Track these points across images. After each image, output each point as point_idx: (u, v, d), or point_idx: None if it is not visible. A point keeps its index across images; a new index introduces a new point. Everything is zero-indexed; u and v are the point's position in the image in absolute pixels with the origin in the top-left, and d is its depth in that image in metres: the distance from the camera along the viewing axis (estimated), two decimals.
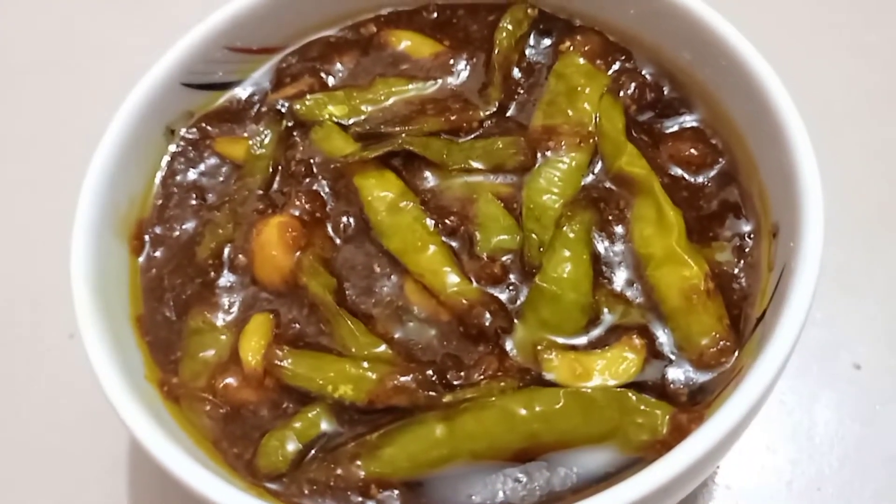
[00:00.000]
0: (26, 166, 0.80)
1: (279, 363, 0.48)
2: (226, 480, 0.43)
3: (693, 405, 0.47)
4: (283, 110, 0.59)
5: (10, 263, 0.74)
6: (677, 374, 0.48)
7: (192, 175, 0.58)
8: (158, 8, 0.90)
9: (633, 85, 0.57)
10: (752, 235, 0.52)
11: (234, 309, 0.52)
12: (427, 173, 0.55)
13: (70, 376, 0.68)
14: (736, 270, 0.51)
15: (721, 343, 0.48)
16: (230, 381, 0.49)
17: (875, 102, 0.76)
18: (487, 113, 0.57)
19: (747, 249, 0.52)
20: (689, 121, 0.57)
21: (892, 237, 0.69)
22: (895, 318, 0.65)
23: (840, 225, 0.59)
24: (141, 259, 0.55)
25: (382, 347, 0.49)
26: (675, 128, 0.57)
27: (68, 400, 0.68)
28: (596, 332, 0.49)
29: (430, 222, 0.53)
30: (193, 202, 0.57)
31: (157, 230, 0.56)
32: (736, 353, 0.48)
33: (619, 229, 0.52)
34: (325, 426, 0.47)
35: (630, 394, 0.46)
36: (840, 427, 0.61)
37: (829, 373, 0.63)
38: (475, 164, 0.55)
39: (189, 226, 0.56)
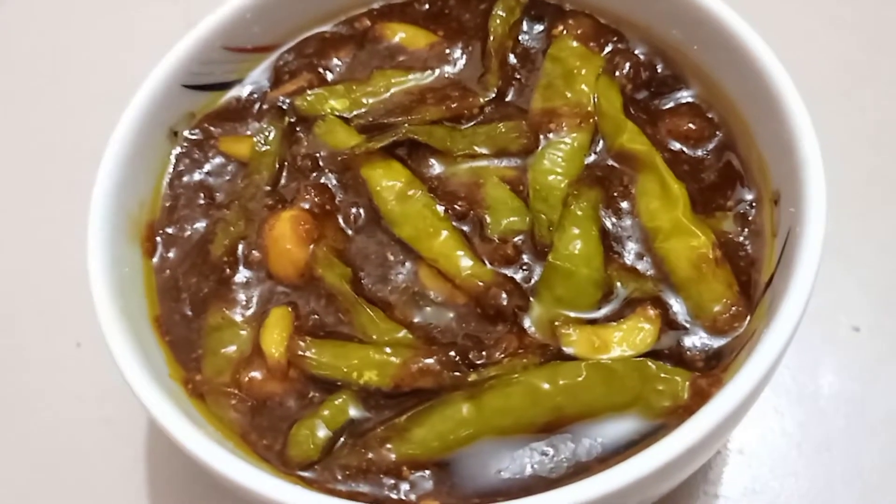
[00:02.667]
0: (30, 177, 0.80)
1: (303, 353, 0.49)
2: (261, 471, 0.44)
3: (710, 370, 0.48)
4: (285, 107, 0.60)
5: (14, 274, 0.74)
6: (692, 340, 0.49)
7: (198, 175, 0.58)
8: (146, 17, 0.90)
9: (627, 65, 0.59)
10: (754, 204, 0.53)
11: (252, 304, 0.53)
12: (432, 161, 0.56)
13: (79, 384, 0.69)
14: (741, 238, 0.52)
15: (733, 309, 0.49)
16: (255, 374, 0.50)
17: (862, 70, 0.77)
18: (487, 99, 0.58)
19: (750, 217, 0.53)
20: (684, 96, 0.58)
21: (881, 202, 0.71)
22: (889, 280, 0.67)
23: (830, 191, 0.61)
24: (154, 260, 0.55)
25: (403, 332, 0.50)
26: (672, 104, 0.58)
27: (78, 408, 0.68)
28: (610, 305, 0.50)
29: (439, 208, 0.53)
30: (202, 202, 0.57)
31: (168, 231, 0.56)
32: (748, 318, 0.49)
33: (625, 205, 0.54)
34: (352, 412, 0.48)
35: (649, 362, 0.47)
36: (843, 388, 0.63)
37: (830, 336, 0.65)
38: (479, 150, 0.56)
39: (200, 225, 0.56)
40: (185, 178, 0.58)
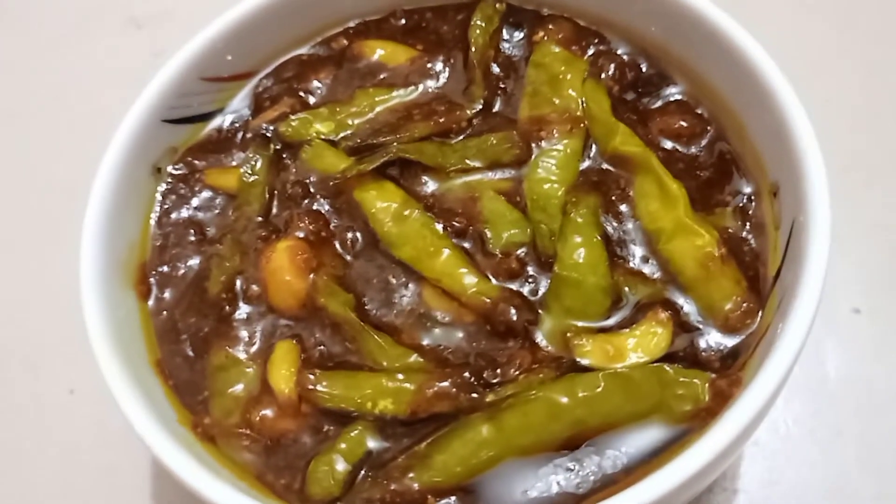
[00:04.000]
0: (11, 221, 0.77)
1: (314, 387, 0.48)
2: None
3: (726, 369, 0.48)
4: (269, 134, 0.58)
5: (3, 320, 0.72)
6: (706, 341, 0.49)
7: (186, 211, 0.57)
8: (110, 48, 0.88)
9: (612, 66, 0.58)
10: (753, 197, 0.53)
11: (256, 340, 0.51)
12: (425, 178, 0.55)
13: (76, 432, 0.67)
14: (743, 233, 0.52)
15: (744, 305, 0.49)
16: (266, 412, 0.48)
17: (839, 54, 0.78)
18: (474, 111, 0.58)
19: (751, 211, 0.53)
20: (672, 94, 0.58)
21: (866, 185, 0.71)
22: (883, 261, 0.68)
23: None
24: (150, 303, 0.54)
25: (413, 357, 0.49)
26: (660, 103, 0.58)
27: (77, 456, 0.66)
28: (621, 311, 0.50)
29: (438, 226, 0.53)
30: (192, 238, 0.56)
31: (161, 272, 0.55)
32: (760, 314, 0.49)
33: (624, 208, 0.53)
34: (370, 443, 0.47)
35: (666, 367, 0.47)
36: (850, 371, 0.63)
37: (831, 319, 0.65)
38: (472, 163, 0.55)
39: (193, 262, 0.55)
40: (172, 216, 0.57)
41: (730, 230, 0.52)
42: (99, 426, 0.66)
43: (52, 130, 0.82)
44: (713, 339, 0.49)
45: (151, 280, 0.54)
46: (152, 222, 0.56)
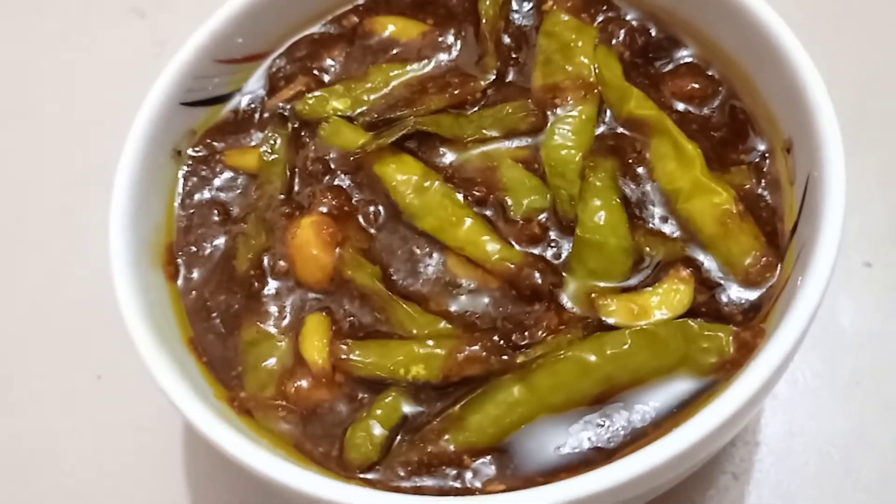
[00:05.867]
0: (34, 211, 0.78)
1: (346, 357, 0.49)
2: (325, 477, 0.44)
3: (749, 322, 0.49)
4: (287, 113, 0.59)
5: (29, 308, 0.73)
6: (728, 295, 0.50)
7: (208, 192, 0.58)
8: (114, 39, 0.88)
9: (621, 32, 0.59)
10: (766, 155, 0.54)
11: (286, 314, 0.52)
12: (443, 150, 0.56)
13: (106, 416, 0.68)
14: (759, 190, 0.53)
15: (763, 260, 0.50)
16: (301, 383, 0.50)
17: (853, 6, 0.78)
18: (488, 82, 0.58)
19: (765, 168, 0.54)
20: (682, 57, 0.59)
21: (873, 139, 0.72)
22: (893, 214, 0.69)
23: None
24: (179, 283, 0.54)
25: (442, 324, 0.50)
26: (671, 66, 0.59)
27: (109, 439, 0.67)
28: (643, 271, 0.51)
29: (459, 196, 0.53)
30: (216, 218, 0.56)
31: (188, 252, 0.55)
32: (779, 267, 0.50)
33: (641, 171, 0.54)
34: (405, 409, 0.48)
35: (690, 322, 0.48)
36: (864, 323, 0.64)
37: (844, 273, 0.66)
38: (489, 133, 0.56)
39: (219, 242, 0.56)
40: (196, 197, 0.57)
41: (745, 187, 0.53)
42: (127, 410, 0.67)
43: (63, 123, 0.82)
44: (734, 294, 0.50)
45: (179, 261, 0.55)
46: (176, 204, 0.57)
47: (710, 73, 0.58)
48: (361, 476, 0.47)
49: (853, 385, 0.62)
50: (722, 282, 0.50)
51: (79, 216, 0.74)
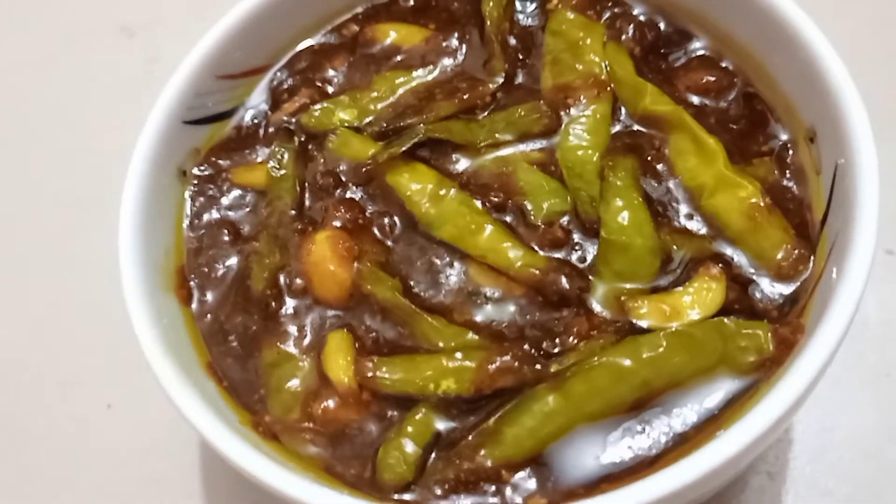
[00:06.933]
0: (41, 236, 0.76)
1: (373, 374, 0.47)
2: (360, 500, 0.42)
3: (784, 317, 0.47)
4: (292, 127, 0.58)
5: (38, 338, 0.71)
6: (761, 291, 0.49)
7: (217, 212, 0.56)
8: (105, 60, 0.86)
9: (630, 28, 0.58)
10: (789, 145, 0.53)
11: (306, 333, 0.51)
12: (456, 156, 0.55)
13: (117, 445, 0.66)
14: (784, 182, 0.52)
15: (795, 252, 0.49)
16: (327, 404, 0.48)
17: None
18: (497, 85, 0.57)
19: (789, 159, 0.52)
20: (695, 49, 0.58)
21: (891, 121, 0.70)
22: None
23: None
24: (193, 306, 0.53)
25: (469, 335, 0.48)
26: (683, 60, 0.57)
27: (120, 469, 0.65)
28: (672, 271, 0.49)
29: (477, 203, 0.52)
30: (227, 238, 0.55)
31: (200, 274, 0.54)
32: (812, 259, 0.49)
33: (661, 168, 0.53)
34: (438, 425, 0.47)
35: (726, 320, 0.47)
36: (889, 312, 0.63)
37: None
38: (502, 137, 0.55)
39: (231, 262, 0.54)
40: (204, 217, 0.56)
41: (770, 180, 0.52)
42: (140, 438, 0.66)
43: (59, 149, 0.80)
44: (768, 289, 0.49)
45: (191, 284, 0.53)
46: (184, 226, 0.56)
47: (723, 65, 0.57)
48: (397, 497, 0.45)
49: (882, 376, 0.61)
50: (754, 277, 0.49)
51: (82, 243, 0.72)
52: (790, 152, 0.53)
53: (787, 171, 0.52)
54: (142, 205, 0.52)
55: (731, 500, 0.58)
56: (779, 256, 0.49)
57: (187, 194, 0.57)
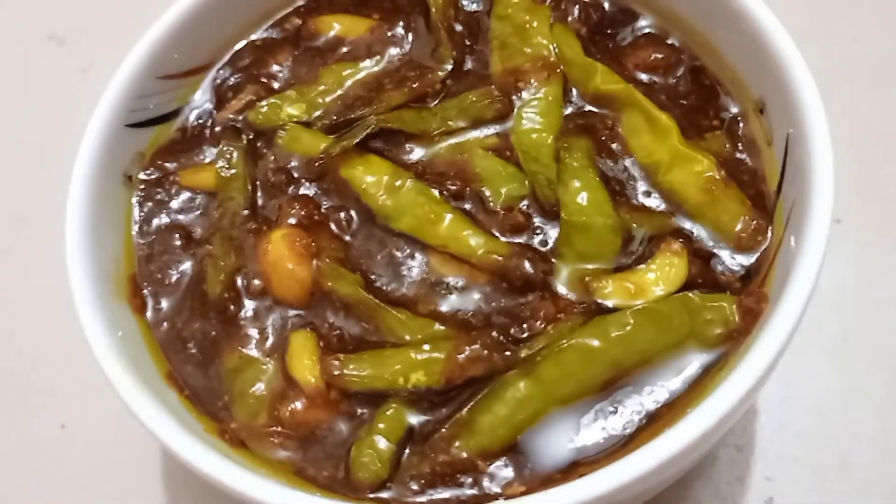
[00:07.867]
0: None
1: (340, 372, 0.46)
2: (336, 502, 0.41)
3: (747, 287, 0.48)
4: (239, 125, 0.56)
5: None
6: (723, 263, 0.49)
7: (166, 216, 0.54)
8: (36, 67, 0.83)
9: (575, 9, 0.58)
10: (739, 118, 0.53)
11: (268, 335, 0.49)
12: (410, 146, 0.54)
13: (74, 466, 0.64)
14: (737, 154, 0.52)
15: (753, 223, 0.49)
16: (294, 406, 0.47)
17: None
18: (446, 72, 0.56)
19: (740, 132, 0.53)
20: (641, 28, 0.58)
21: (836, 94, 0.72)
22: (857, 170, 0.69)
23: None
24: (148, 315, 0.51)
25: (435, 326, 0.48)
26: (630, 38, 0.57)
27: (80, 491, 0.63)
28: (633, 248, 0.49)
29: (434, 192, 0.51)
30: (178, 242, 0.53)
31: (153, 281, 0.52)
32: (770, 229, 0.49)
33: (616, 147, 0.53)
34: (410, 419, 0.46)
35: (691, 294, 0.47)
36: (843, 278, 0.64)
37: None
38: (455, 124, 0.54)
39: (185, 267, 0.52)
40: (154, 223, 0.54)
41: (723, 153, 0.52)
42: (97, 458, 0.64)
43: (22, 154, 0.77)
44: (729, 261, 0.49)
45: (145, 292, 0.52)
46: (134, 233, 0.54)
47: (670, 42, 0.57)
48: (373, 496, 0.44)
49: (841, 342, 0.62)
50: (715, 250, 0.49)
51: (26, 258, 0.69)
52: (741, 125, 0.53)
53: (739, 144, 0.52)
54: (88, 213, 0.50)
55: (701, 475, 0.58)
56: (737, 228, 0.49)
57: (134, 200, 0.55)
